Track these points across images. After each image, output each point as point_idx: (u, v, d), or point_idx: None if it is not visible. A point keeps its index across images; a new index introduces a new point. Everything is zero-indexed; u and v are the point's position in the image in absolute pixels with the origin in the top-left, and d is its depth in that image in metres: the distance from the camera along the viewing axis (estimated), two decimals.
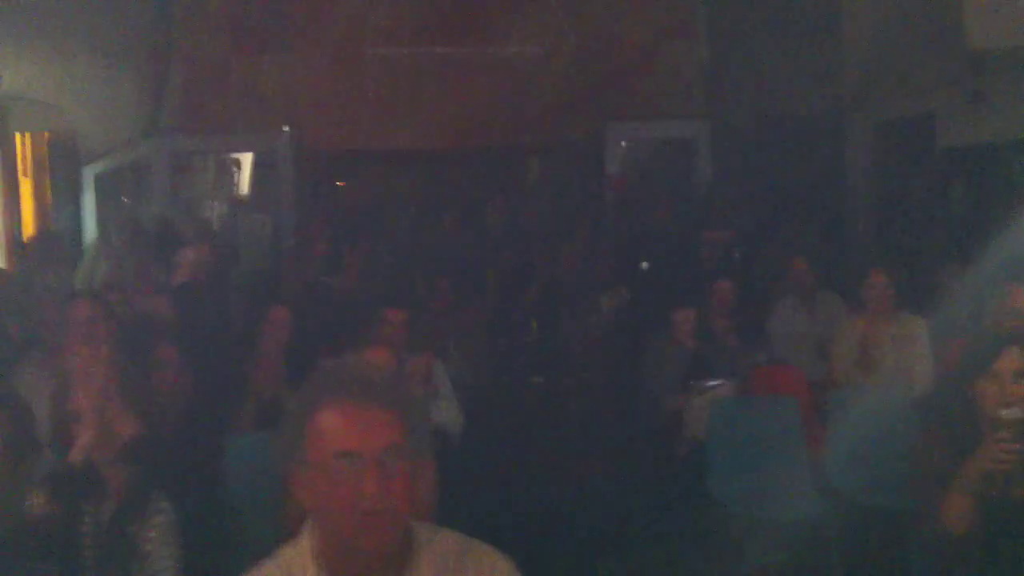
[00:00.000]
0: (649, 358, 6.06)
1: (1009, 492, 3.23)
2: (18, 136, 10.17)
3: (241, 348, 5.67)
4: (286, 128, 10.48)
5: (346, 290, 7.25)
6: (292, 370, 5.34)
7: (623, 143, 11.23)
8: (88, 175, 10.71)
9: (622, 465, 6.53)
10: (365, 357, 4.11)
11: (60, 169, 10.68)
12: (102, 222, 10.22)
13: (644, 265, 8.41)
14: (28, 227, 10.08)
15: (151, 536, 3.47)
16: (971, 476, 3.16)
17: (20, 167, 10.18)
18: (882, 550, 4.82)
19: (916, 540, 3.44)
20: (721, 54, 11.06)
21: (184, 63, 10.51)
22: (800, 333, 6.88)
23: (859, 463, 5.32)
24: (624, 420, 6.77)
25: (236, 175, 11.04)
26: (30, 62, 9.80)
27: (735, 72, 11.01)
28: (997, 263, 6.37)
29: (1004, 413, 3.18)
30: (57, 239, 8.85)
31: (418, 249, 8.53)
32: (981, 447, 3.16)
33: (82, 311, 4.73)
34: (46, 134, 10.57)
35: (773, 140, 10.46)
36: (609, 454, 6.69)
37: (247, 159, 11.00)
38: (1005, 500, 3.23)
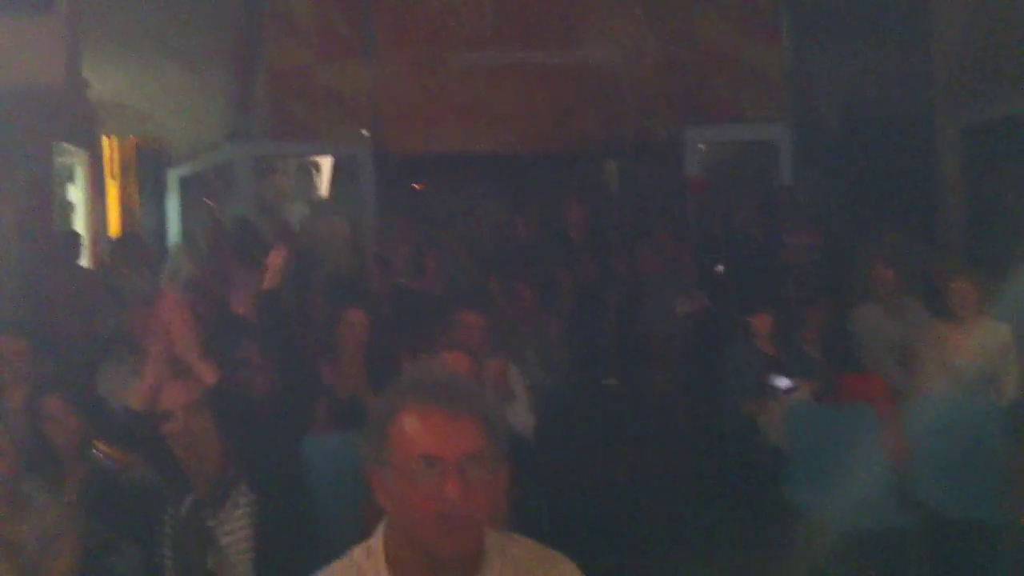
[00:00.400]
0: (727, 363, 5.99)
1: None
2: (106, 140, 10.44)
3: (321, 349, 5.75)
4: (366, 132, 10.62)
5: (427, 294, 7.30)
6: (371, 372, 5.42)
7: (702, 146, 11.13)
8: (173, 178, 10.96)
9: (699, 471, 6.48)
10: (443, 361, 4.14)
11: (147, 172, 10.93)
12: (187, 224, 10.45)
13: (719, 269, 8.31)
14: (114, 229, 10.33)
15: (228, 530, 3.54)
16: None
17: (108, 170, 10.44)
18: (966, 564, 4.70)
19: (1008, 556, 3.35)
20: (804, 56, 10.91)
21: (268, 69, 10.72)
22: (883, 340, 6.75)
23: (944, 474, 5.21)
24: (702, 425, 6.70)
25: (317, 178, 11.20)
26: (118, 68, 10.06)
27: (818, 74, 10.86)
28: None
29: None
30: (140, 241, 9.05)
31: (496, 252, 8.53)
32: None
33: (167, 305, 4.83)
34: (133, 138, 10.83)
35: (857, 143, 10.29)
36: (686, 459, 6.64)
37: (327, 163, 11.15)
38: None
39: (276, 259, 4.90)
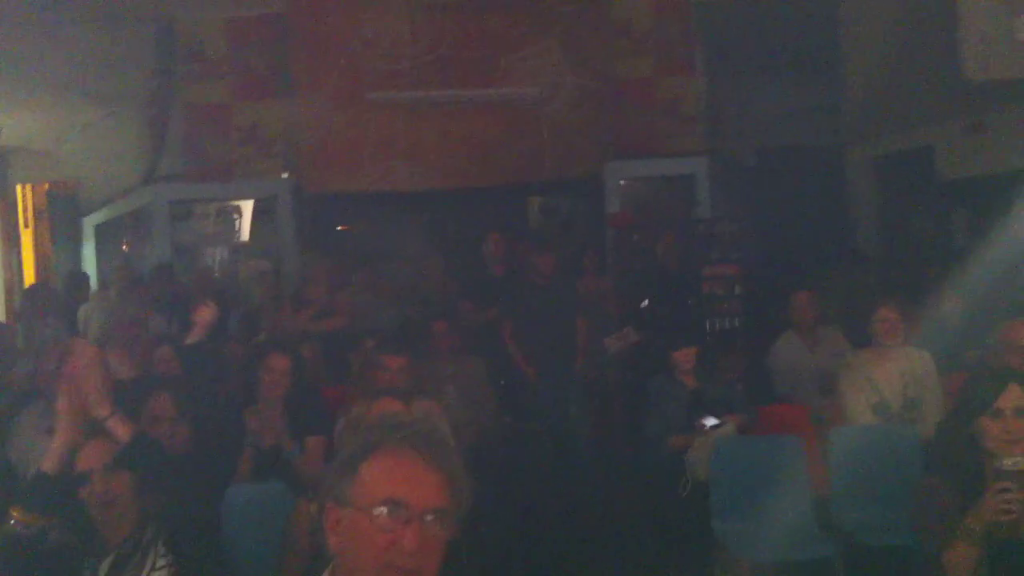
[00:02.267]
0: (651, 398, 6.00)
1: (1016, 536, 3.18)
2: (19, 188, 10.20)
3: (241, 397, 5.64)
4: (285, 174, 10.52)
5: (338, 335, 7.20)
6: (292, 420, 5.31)
7: (622, 181, 11.24)
8: (88, 225, 10.73)
9: (626, 508, 6.47)
10: (378, 408, 4.09)
11: (61, 219, 10.70)
12: (102, 272, 10.24)
13: (644, 304, 8.36)
14: (29, 278, 10.09)
15: None
16: (975, 527, 3.11)
17: (21, 218, 10.21)
18: None
19: None
20: (720, 90, 11.10)
21: (184, 111, 10.56)
22: (804, 370, 6.83)
23: (867, 502, 5.27)
24: (628, 462, 6.71)
25: (237, 222, 11.06)
26: (30, 113, 9.84)
27: (734, 108, 11.06)
28: (998, 296, 6.35)
29: (1007, 463, 3.15)
30: (51, 290, 8.84)
31: (417, 291, 8.48)
32: (984, 498, 3.11)
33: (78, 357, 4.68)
34: (46, 185, 10.60)
35: (773, 175, 10.48)
36: (613, 497, 6.63)
37: (248, 205, 11.01)
38: (1012, 545, 3.18)
39: (205, 314, 4.77)
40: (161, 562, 3.54)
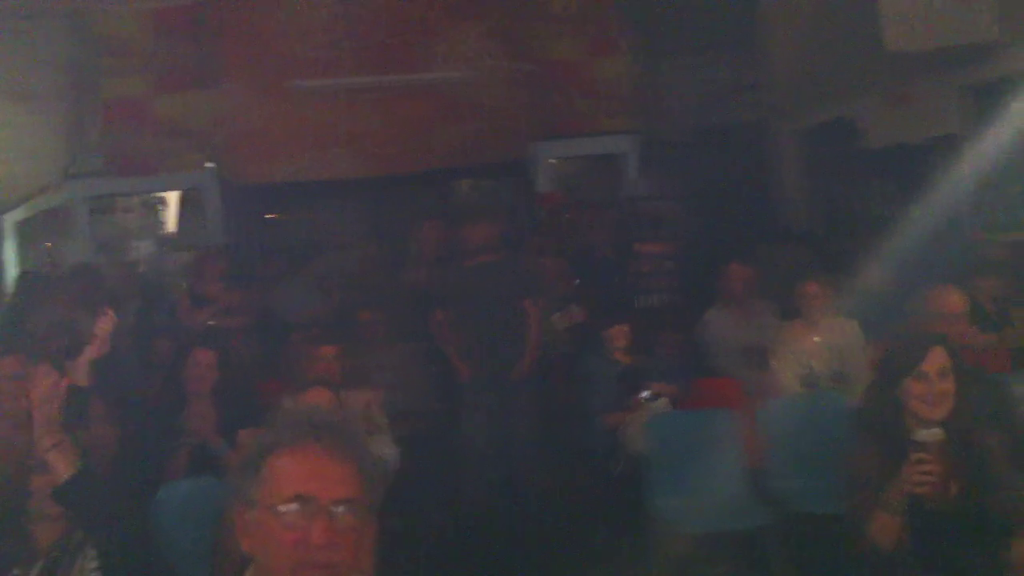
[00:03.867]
0: (584, 376, 6.02)
1: (938, 505, 3.23)
2: None
3: (169, 393, 5.55)
4: (210, 165, 10.35)
5: (242, 330, 7.07)
6: (222, 414, 5.24)
7: (552, 161, 11.26)
8: (8, 222, 10.48)
9: (562, 486, 6.50)
10: (306, 398, 4.04)
11: None
12: (23, 271, 9.99)
13: (576, 282, 8.36)
14: None
15: None
16: (895, 498, 3.16)
17: None
18: (822, 558, 4.81)
19: (848, 552, 3.43)
20: (647, 70, 11.15)
21: (104, 103, 10.34)
22: (735, 343, 6.88)
23: (799, 472, 5.34)
24: (566, 439, 6.70)
25: (163, 214, 10.87)
26: None
27: (661, 87, 11.11)
28: (923, 264, 6.46)
29: (923, 435, 3.19)
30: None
31: (349, 280, 8.38)
32: (903, 470, 3.15)
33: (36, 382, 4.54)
34: None
35: (702, 152, 10.55)
36: (549, 475, 6.65)
37: (173, 198, 10.83)
38: (934, 514, 3.23)
39: (104, 326, 4.62)
40: (91, 564, 3.49)
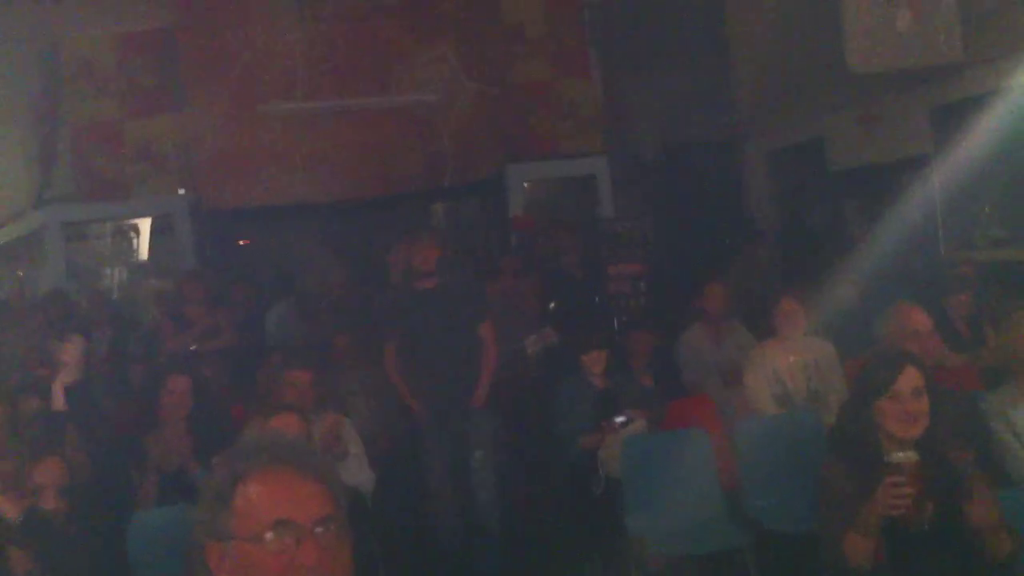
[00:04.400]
0: (561, 400, 6.00)
1: (914, 526, 3.25)
2: None
3: (144, 422, 5.51)
4: (182, 191, 10.32)
5: (220, 355, 7.03)
6: (197, 441, 5.21)
7: (525, 184, 11.30)
8: None
9: (541, 507, 6.48)
10: (274, 424, 4.01)
11: None
12: None
13: (552, 306, 8.36)
14: None
15: None
16: (870, 518, 3.18)
17: None
18: None
19: (823, 572, 3.44)
20: (617, 90, 11.22)
21: (73, 129, 10.29)
22: (710, 363, 6.92)
23: (775, 492, 5.34)
24: (543, 462, 6.69)
25: (135, 241, 10.80)
26: None
27: (631, 108, 11.18)
28: (892, 282, 6.52)
29: (897, 456, 3.21)
30: None
31: (321, 304, 8.36)
32: (878, 490, 3.17)
33: None
34: None
35: (673, 172, 10.61)
36: (528, 497, 6.63)
37: (145, 224, 10.78)
38: (911, 535, 3.25)
39: (70, 353, 4.56)
40: None
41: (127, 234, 10.78)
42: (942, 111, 7.94)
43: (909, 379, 3.42)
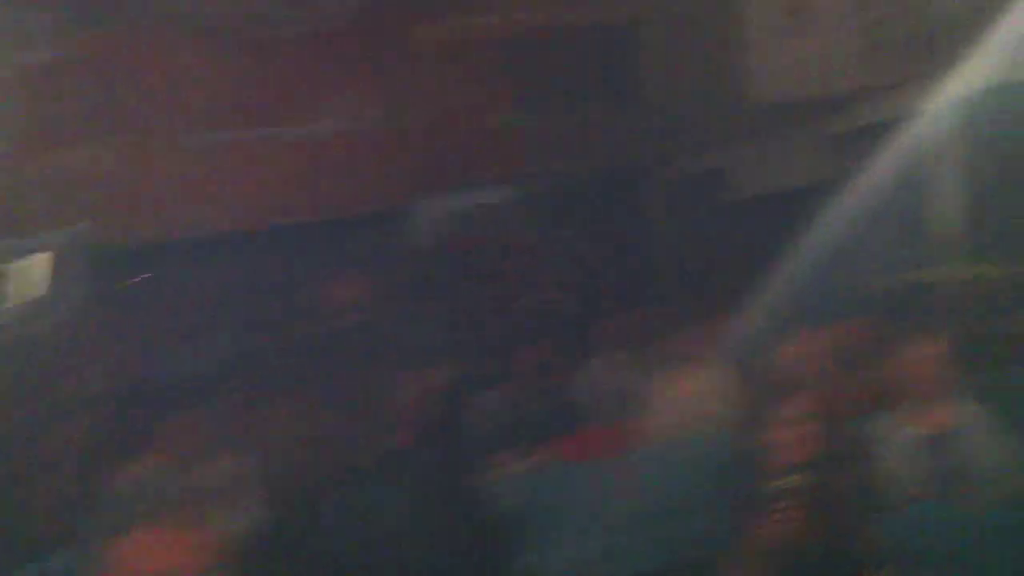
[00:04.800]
0: (462, 431, 5.97)
1: (803, 549, 3.28)
2: None
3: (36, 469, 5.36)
4: (84, 224, 10.08)
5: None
6: (86, 488, 5.06)
7: (439, 212, 11.29)
8: None
9: (439, 545, 6.40)
10: (146, 472, 3.92)
11: None
12: None
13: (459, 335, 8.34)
14: None
15: None
16: (758, 544, 3.20)
17: None
18: None
19: None
20: (531, 119, 11.27)
21: None
22: (614, 390, 6.92)
23: (678, 519, 5.35)
24: (442, 498, 6.62)
25: (33, 277, 10.51)
26: None
27: (547, 135, 11.24)
28: (793, 308, 6.62)
29: (780, 482, 3.25)
30: None
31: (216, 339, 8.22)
32: (763, 517, 3.19)
33: None
34: None
35: (585, 199, 10.68)
36: (425, 533, 6.54)
37: (44, 260, 10.49)
38: (800, 557, 3.28)
39: None
40: None
41: (25, 269, 10.47)
42: (842, 139, 8.08)
43: (797, 404, 3.47)
